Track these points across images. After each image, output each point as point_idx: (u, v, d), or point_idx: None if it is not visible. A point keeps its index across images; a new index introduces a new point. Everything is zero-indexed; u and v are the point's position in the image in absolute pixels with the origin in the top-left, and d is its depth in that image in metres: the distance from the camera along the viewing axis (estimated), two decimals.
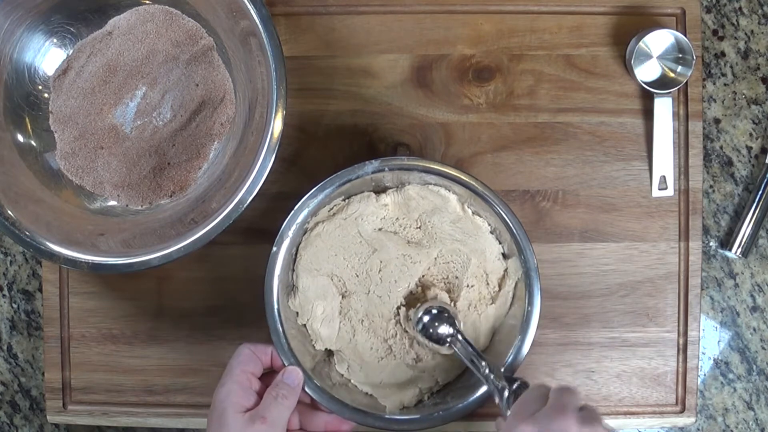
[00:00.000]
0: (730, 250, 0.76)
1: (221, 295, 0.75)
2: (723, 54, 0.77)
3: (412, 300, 0.67)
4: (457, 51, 0.75)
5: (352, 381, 0.67)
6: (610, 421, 0.75)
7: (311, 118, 0.75)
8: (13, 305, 0.79)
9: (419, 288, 0.67)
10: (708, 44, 0.77)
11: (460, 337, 0.63)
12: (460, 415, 0.63)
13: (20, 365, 0.79)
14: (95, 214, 0.72)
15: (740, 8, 0.77)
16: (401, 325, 0.66)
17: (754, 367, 0.77)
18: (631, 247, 0.75)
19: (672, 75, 0.74)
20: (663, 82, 0.74)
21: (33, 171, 0.71)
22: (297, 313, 0.67)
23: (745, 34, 0.77)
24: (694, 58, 0.72)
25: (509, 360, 0.64)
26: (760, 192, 0.75)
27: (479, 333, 0.67)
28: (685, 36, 0.73)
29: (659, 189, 0.74)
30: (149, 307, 0.75)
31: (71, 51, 0.73)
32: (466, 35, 0.75)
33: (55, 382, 0.75)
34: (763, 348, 0.77)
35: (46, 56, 0.73)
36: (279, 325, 0.64)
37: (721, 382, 0.78)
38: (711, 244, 0.77)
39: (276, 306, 0.64)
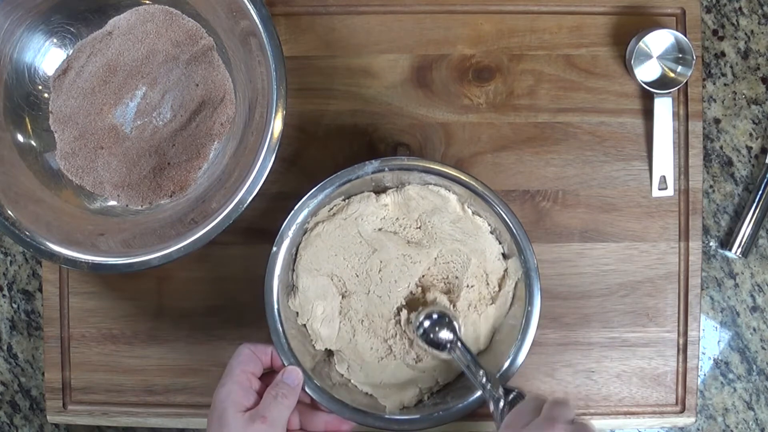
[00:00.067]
0: (730, 250, 0.76)
1: (221, 295, 0.75)
2: (723, 54, 0.77)
3: (412, 302, 0.67)
4: (457, 51, 0.75)
5: (352, 381, 0.67)
6: (610, 421, 0.75)
7: (311, 118, 0.75)
8: (13, 305, 0.79)
9: (419, 289, 0.67)
10: (708, 44, 0.77)
11: (459, 344, 0.63)
12: (460, 415, 0.63)
13: (20, 365, 0.79)
14: (95, 214, 0.72)
15: (740, 8, 0.77)
16: (401, 327, 0.66)
17: (754, 367, 0.77)
18: (631, 247, 0.75)
19: (672, 75, 0.74)
20: (663, 82, 0.74)
21: (33, 171, 0.71)
22: (297, 313, 0.67)
23: (745, 34, 0.77)
24: (694, 58, 0.72)
25: (509, 360, 0.64)
26: (760, 192, 0.75)
27: (479, 333, 0.67)
28: (685, 36, 0.73)
29: (659, 189, 0.74)
30: (149, 307, 0.75)
31: (71, 51, 0.73)
32: (466, 35, 0.75)
33: (55, 382, 0.75)
34: (763, 348, 0.77)
35: (46, 56, 0.73)
36: (279, 325, 0.64)
37: (721, 382, 0.78)
38: (711, 244, 0.77)
39: (276, 306, 0.64)
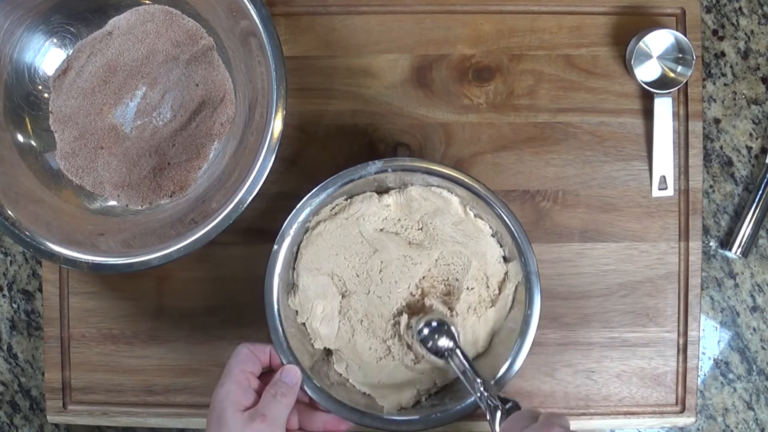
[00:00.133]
0: (730, 250, 0.76)
1: (221, 295, 0.75)
2: (723, 54, 0.77)
3: (412, 304, 0.67)
4: (457, 51, 0.75)
5: (350, 381, 0.67)
6: (610, 421, 0.75)
7: (311, 118, 0.75)
8: (13, 305, 0.79)
9: (419, 290, 0.67)
10: (708, 44, 0.77)
11: (458, 352, 0.63)
12: (457, 417, 0.63)
13: (20, 365, 0.79)
14: (95, 214, 0.72)
15: (740, 8, 0.77)
16: (400, 332, 0.66)
17: (754, 367, 0.77)
18: (631, 247, 0.75)
19: (672, 75, 0.74)
20: (663, 82, 0.74)
21: (33, 171, 0.71)
22: (297, 311, 0.67)
23: (745, 34, 0.77)
24: (694, 58, 0.72)
25: (507, 363, 0.64)
26: (760, 192, 0.75)
27: (478, 336, 0.67)
28: (685, 36, 0.73)
29: (659, 189, 0.74)
30: (149, 307, 0.75)
31: (71, 51, 0.73)
32: (466, 35, 0.75)
33: (55, 382, 0.75)
34: (763, 348, 0.77)
35: (46, 56, 0.73)
36: (278, 324, 0.64)
37: (721, 382, 0.78)
38: (711, 244, 0.77)
39: (276, 304, 0.64)
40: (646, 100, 0.75)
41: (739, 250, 0.76)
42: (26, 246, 0.66)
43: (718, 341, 0.77)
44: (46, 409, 0.76)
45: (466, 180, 0.64)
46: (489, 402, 0.60)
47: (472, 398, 0.63)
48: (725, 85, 0.77)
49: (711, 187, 0.77)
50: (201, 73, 0.72)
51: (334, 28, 0.75)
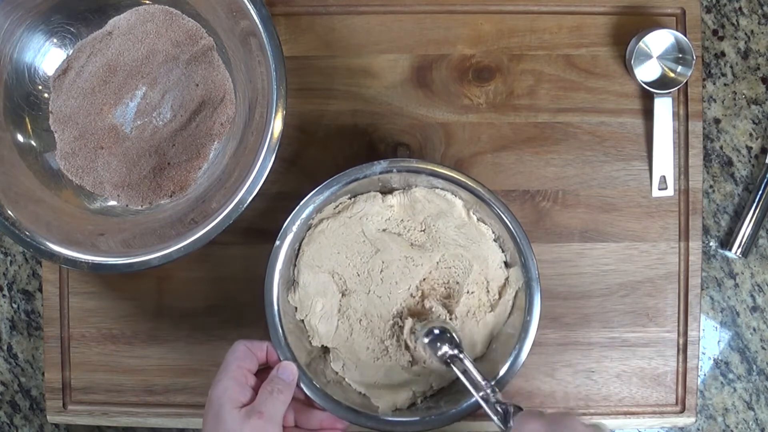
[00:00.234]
0: (730, 250, 0.76)
1: (221, 295, 0.75)
2: (723, 54, 0.77)
3: (411, 306, 0.67)
4: (457, 51, 0.75)
5: (346, 379, 0.67)
6: (610, 421, 0.75)
7: (311, 118, 0.75)
8: (13, 305, 0.79)
9: (420, 292, 0.67)
10: (708, 44, 0.77)
11: (465, 359, 0.62)
12: (453, 419, 0.63)
13: (20, 365, 0.79)
14: (95, 214, 0.72)
15: (740, 8, 0.77)
16: (400, 336, 0.66)
17: (754, 367, 0.77)
18: (631, 247, 0.75)
19: (672, 75, 0.74)
20: (663, 82, 0.74)
21: (33, 171, 0.71)
22: (296, 308, 0.67)
23: (745, 34, 0.77)
24: (694, 58, 0.72)
25: (505, 368, 0.64)
26: (760, 192, 0.75)
27: (476, 340, 0.67)
28: (685, 36, 0.73)
29: (659, 189, 0.74)
30: (149, 307, 0.75)
31: (71, 51, 0.73)
32: (466, 35, 0.75)
33: (55, 382, 0.75)
34: (763, 348, 0.77)
35: (46, 56, 0.73)
36: (277, 319, 0.64)
37: (721, 382, 0.78)
38: (711, 244, 0.77)
39: (275, 300, 0.64)
40: (646, 100, 0.75)
41: (739, 250, 0.76)
42: (26, 246, 0.66)
43: (718, 341, 0.77)
44: (46, 409, 0.76)
45: (471, 183, 0.64)
46: (499, 407, 0.59)
47: (468, 402, 0.63)
48: (725, 85, 0.77)
49: (711, 187, 0.77)
50: (201, 73, 0.72)
51: (334, 28, 0.75)
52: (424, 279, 0.67)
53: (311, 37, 0.75)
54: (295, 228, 0.64)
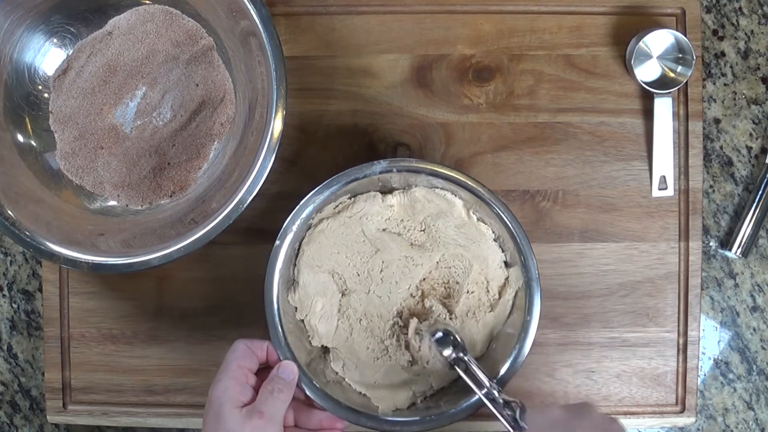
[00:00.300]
0: (730, 250, 0.76)
1: (221, 295, 0.75)
2: (723, 54, 0.77)
3: (411, 305, 0.67)
4: (457, 51, 0.75)
5: (346, 379, 0.67)
6: None
7: (311, 118, 0.75)
8: (13, 305, 0.79)
9: (419, 292, 0.67)
10: (708, 44, 0.77)
11: (470, 361, 0.62)
12: (453, 419, 0.63)
13: (20, 365, 0.79)
14: (95, 214, 0.72)
15: (740, 8, 0.77)
16: (399, 335, 0.66)
17: (754, 367, 0.77)
18: (631, 247, 0.75)
19: (672, 75, 0.74)
20: (663, 82, 0.74)
21: (33, 171, 0.71)
22: (296, 308, 0.67)
23: (745, 34, 0.77)
24: (694, 58, 0.72)
25: (506, 368, 0.64)
26: (760, 192, 0.75)
27: (476, 340, 0.67)
28: (685, 36, 0.73)
29: (659, 189, 0.74)
30: (149, 307, 0.75)
31: (71, 51, 0.73)
32: (466, 35, 0.75)
33: (55, 382, 0.75)
34: (763, 348, 0.77)
35: (46, 56, 0.73)
36: (277, 319, 0.64)
37: (721, 382, 0.78)
38: (711, 244, 0.77)
39: (275, 300, 0.64)
40: (646, 100, 0.75)
41: (739, 250, 0.76)
42: (26, 246, 0.66)
43: (718, 341, 0.77)
44: (46, 409, 0.76)
45: (471, 183, 0.64)
46: (506, 407, 0.59)
47: (468, 402, 0.63)
48: (725, 85, 0.77)
49: (711, 187, 0.77)
50: (201, 73, 0.72)
51: (334, 28, 0.75)
52: (424, 279, 0.67)
53: (311, 37, 0.75)
54: (295, 228, 0.64)
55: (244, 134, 0.70)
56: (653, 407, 0.75)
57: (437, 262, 0.67)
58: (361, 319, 0.67)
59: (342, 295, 0.67)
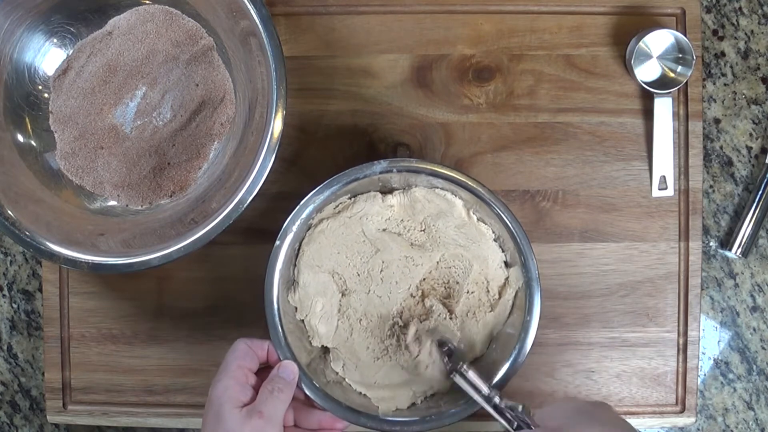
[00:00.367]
0: (730, 250, 0.76)
1: (221, 295, 0.75)
2: (723, 54, 0.77)
3: (411, 305, 0.67)
4: (457, 51, 0.75)
5: (346, 380, 0.67)
6: None
7: (311, 118, 0.75)
8: (13, 305, 0.79)
9: (420, 292, 0.67)
10: (708, 44, 0.77)
11: (467, 372, 0.61)
12: (453, 419, 0.63)
13: (20, 365, 0.79)
14: (95, 214, 0.72)
15: (740, 8, 0.77)
16: (398, 337, 0.66)
17: (754, 367, 0.77)
18: (631, 247, 0.75)
19: (672, 75, 0.74)
20: (663, 82, 0.74)
21: (33, 171, 0.71)
22: (296, 308, 0.67)
23: (745, 34, 0.77)
24: (694, 58, 0.72)
25: (506, 368, 0.64)
26: (760, 192, 0.75)
27: (476, 340, 0.67)
28: (685, 36, 0.73)
29: (659, 189, 0.74)
30: (149, 307, 0.75)
31: (71, 51, 0.73)
32: (466, 35, 0.75)
33: (55, 382, 0.75)
34: (763, 348, 0.77)
35: (46, 56, 0.73)
36: (277, 319, 0.64)
37: (721, 382, 0.78)
38: (711, 244, 0.77)
39: (276, 300, 0.64)
40: (646, 100, 0.75)
41: (739, 250, 0.76)
42: (26, 246, 0.66)
43: (718, 341, 0.77)
44: (46, 409, 0.76)
45: (471, 183, 0.64)
46: (508, 412, 0.59)
47: (468, 401, 0.63)
48: (725, 85, 0.77)
49: (711, 187, 0.77)
50: (201, 73, 0.72)
51: (334, 28, 0.75)
52: (424, 279, 0.67)
53: (311, 37, 0.75)
54: (295, 228, 0.64)
55: (244, 134, 0.70)
56: (653, 407, 0.75)
57: (437, 262, 0.67)
58: (361, 320, 0.67)
59: (342, 295, 0.67)
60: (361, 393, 0.67)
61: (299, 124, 0.75)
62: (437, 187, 0.67)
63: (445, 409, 0.64)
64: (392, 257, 0.66)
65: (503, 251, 0.67)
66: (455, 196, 0.67)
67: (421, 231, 0.68)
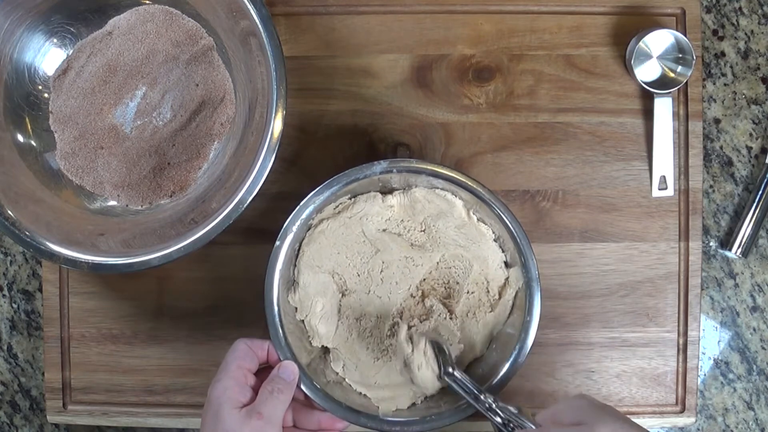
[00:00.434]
0: (730, 250, 0.76)
1: (221, 295, 0.75)
2: (723, 54, 0.77)
3: (411, 306, 0.67)
4: (457, 51, 0.75)
5: (346, 380, 0.67)
6: None
7: (311, 118, 0.75)
8: (13, 305, 0.79)
9: (420, 292, 0.67)
10: (708, 44, 0.77)
11: (457, 374, 0.61)
12: (453, 420, 0.63)
13: (20, 365, 0.79)
14: (95, 214, 0.72)
15: (740, 8, 0.77)
16: (397, 343, 0.66)
17: (754, 367, 0.77)
18: (631, 247, 0.75)
19: (672, 75, 0.74)
20: (663, 82, 0.74)
21: (33, 171, 0.71)
22: (296, 308, 0.67)
23: (745, 34, 0.77)
24: (694, 58, 0.72)
25: (506, 368, 0.64)
26: (760, 192, 0.75)
27: (476, 340, 0.67)
28: (685, 36, 0.73)
29: (659, 189, 0.74)
30: (149, 307, 0.75)
31: (71, 51, 0.73)
32: (466, 35, 0.75)
33: (55, 382, 0.75)
34: (763, 348, 0.77)
35: (46, 56, 0.73)
36: (277, 319, 0.64)
37: (721, 382, 0.78)
38: (711, 244, 0.77)
39: (276, 300, 0.64)
40: (646, 100, 0.75)
41: (739, 250, 0.76)
42: (26, 246, 0.66)
43: (718, 341, 0.77)
44: (46, 409, 0.76)
45: (471, 183, 0.64)
46: (502, 413, 0.58)
47: (468, 402, 0.63)
48: (725, 85, 0.77)
49: (711, 187, 0.77)
50: (201, 73, 0.72)
51: (334, 28, 0.75)
52: (424, 279, 0.67)
53: (311, 37, 0.75)
54: (295, 228, 0.64)
55: (244, 134, 0.70)
56: (653, 407, 0.75)
57: (437, 263, 0.67)
58: (361, 320, 0.67)
59: (342, 295, 0.67)
60: (361, 393, 0.67)
61: (299, 124, 0.75)
62: (437, 188, 0.67)
63: (445, 409, 0.64)
64: (392, 257, 0.66)
65: (503, 251, 0.67)
66: (455, 196, 0.67)
67: (421, 231, 0.68)
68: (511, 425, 0.58)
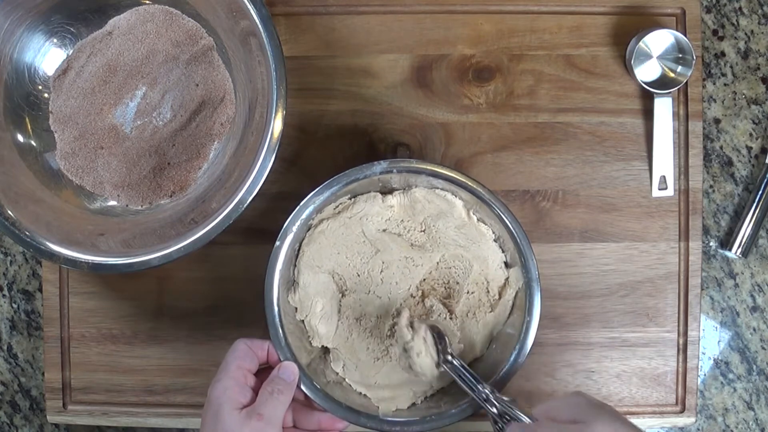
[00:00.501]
0: (730, 250, 0.76)
1: (221, 295, 0.75)
2: (723, 54, 0.77)
3: (411, 306, 0.67)
4: (457, 51, 0.75)
5: (346, 380, 0.67)
6: None
7: (311, 118, 0.75)
8: (13, 305, 0.79)
9: (420, 292, 0.67)
10: (708, 44, 0.77)
11: (455, 362, 0.62)
12: (453, 419, 0.63)
13: (20, 365, 0.79)
14: (95, 214, 0.72)
15: (740, 8, 0.77)
16: (394, 337, 0.66)
17: (754, 367, 0.77)
18: (631, 247, 0.75)
19: (672, 75, 0.74)
20: (663, 82, 0.74)
21: (33, 171, 0.71)
22: (296, 308, 0.67)
23: (745, 34, 0.77)
24: (694, 58, 0.72)
25: (506, 368, 0.64)
26: (760, 192, 0.75)
27: (476, 340, 0.67)
28: (685, 36, 0.73)
29: (659, 189, 0.74)
30: (149, 307, 0.75)
31: (71, 51, 0.73)
32: (466, 35, 0.75)
33: (55, 382, 0.75)
34: (763, 348, 0.77)
35: (46, 56, 0.73)
36: (277, 319, 0.64)
37: (721, 382, 0.78)
38: (711, 244, 0.77)
39: (276, 300, 0.64)
40: (646, 100, 0.75)
41: (739, 250, 0.76)
42: (26, 246, 0.66)
43: (718, 341, 0.77)
44: (46, 409, 0.76)
45: (471, 184, 0.64)
46: (499, 404, 0.59)
47: (468, 402, 0.63)
48: (725, 85, 0.77)
49: (711, 187, 0.77)
50: (201, 73, 0.72)
51: (334, 28, 0.75)
52: (424, 279, 0.67)
53: (311, 37, 0.75)
54: (295, 228, 0.64)
55: (244, 134, 0.70)
56: (653, 407, 0.75)
57: (437, 263, 0.67)
58: (361, 320, 0.67)
59: (342, 295, 0.67)
60: (361, 393, 0.67)
61: (299, 124, 0.75)
62: (437, 188, 0.67)
63: (445, 409, 0.64)
64: (392, 258, 0.66)
65: (503, 252, 0.67)
66: (455, 196, 0.67)
67: (421, 231, 0.68)
68: (507, 417, 0.58)
